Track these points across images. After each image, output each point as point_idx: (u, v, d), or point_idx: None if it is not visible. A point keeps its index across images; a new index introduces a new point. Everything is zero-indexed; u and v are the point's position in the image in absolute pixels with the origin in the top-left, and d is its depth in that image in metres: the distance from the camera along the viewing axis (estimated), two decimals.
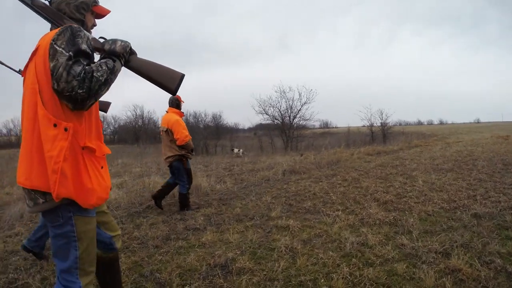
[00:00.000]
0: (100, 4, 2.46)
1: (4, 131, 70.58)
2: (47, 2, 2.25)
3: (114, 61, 2.11)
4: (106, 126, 75.18)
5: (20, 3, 2.18)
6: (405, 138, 26.72)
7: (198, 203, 7.36)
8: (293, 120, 28.76)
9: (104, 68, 1.98)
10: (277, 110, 28.04)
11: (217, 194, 8.26)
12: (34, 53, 2.04)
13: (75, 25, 2.05)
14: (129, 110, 77.96)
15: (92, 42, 2.13)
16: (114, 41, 2.20)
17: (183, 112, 6.75)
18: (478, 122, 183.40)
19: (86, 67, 1.92)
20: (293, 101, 28.27)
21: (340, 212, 6.13)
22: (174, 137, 6.22)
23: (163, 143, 6.49)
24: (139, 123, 63.65)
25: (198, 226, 5.64)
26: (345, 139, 23.67)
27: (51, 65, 1.87)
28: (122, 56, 2.21)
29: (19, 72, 3.83)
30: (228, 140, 41.63)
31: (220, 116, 63.07)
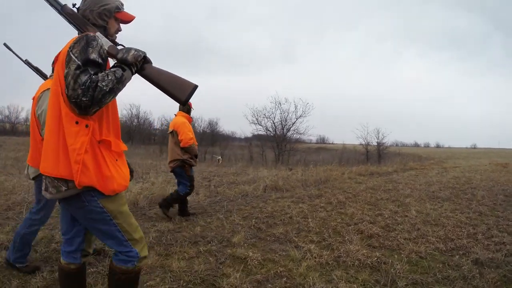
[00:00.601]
0: (125, 10, 2.51)
1: None
2: (75, 9, 2.36)
3: (124, 70, 2.18)
4: None
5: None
6: (400, 159, 25.87)
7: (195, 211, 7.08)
8: (286, 132, 27.76)
9: (110, 77, 2.07)
10: (271, 121, 26.98)
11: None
12: (56, 58, 2.28)
13: (91, 34, 2.18)
14: (124, 109, 77.04)
15: (107, 50, 2.26)
16: (128, 50, 2.25)
17: (192, 117, 6.64)
18: (474, 148, 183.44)
19: (93, 77, 2.02)
20: (288, 113, 27.38)
21: (314, 245, 5.19)
22: (179, 138, 6.07)
23: (168, 146, 6.41)
24: (134, 123, 62.60)
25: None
26: (339, 156, 22.59)
27: (65, 72, 2.04)
28: (133, 65, 2.26)
29: (25, 62, 4.28)
30: (223, 148, 40.98)
31: (217, 123, 62.60)
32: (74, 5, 2.36)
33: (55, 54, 2.43)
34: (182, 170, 6.30)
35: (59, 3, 2.33)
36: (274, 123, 26.66)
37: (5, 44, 4.38)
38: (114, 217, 2.32)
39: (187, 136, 6.05)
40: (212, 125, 63.25)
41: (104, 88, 2.02)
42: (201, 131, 59.25)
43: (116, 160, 2.34)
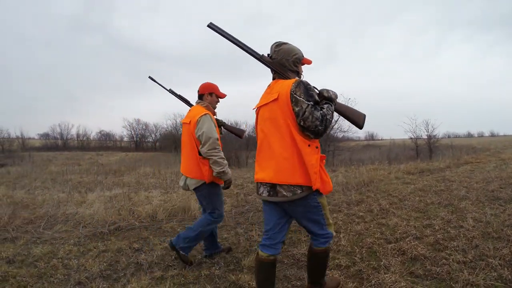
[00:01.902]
0: (305, 56, 3.28)
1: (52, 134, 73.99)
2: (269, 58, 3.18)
3: (331, 105, 3.02)
4: (148, 134, 75.74)
5: None
6: (453, 153, 23.98)
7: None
8: (329, 132, 26.19)
9: (330, 111, 2.93)
10: None
11: None
12: (276, 99, 2.97)
13: (304, 80, 3.00)
14: (169, 119, 78.09)
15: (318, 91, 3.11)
16: (327, 90, 3.08)
17: None
18: None
19: (322, 111, 2.85)
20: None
21: (340, 271, 4.32)
22: None
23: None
24: (180, 132, 63.25)
25: (145, 262, 4.73)
26: (387, 153, 21.11)
27: (296, 109, 2.85)
28: (334, 101, 3.09)
29: (170, 91, 5.14)
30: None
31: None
32: (269, 55, 3.18)
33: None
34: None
35: (257, 53, 3.12)
36: None
37: (150, 77, 5.42)
38: (323, 208, 3.15)
39: None
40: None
41: (330, 118, 2.89)
42: (247, 135, 58.79)
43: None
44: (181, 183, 4.57)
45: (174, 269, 4.44)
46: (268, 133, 3.03)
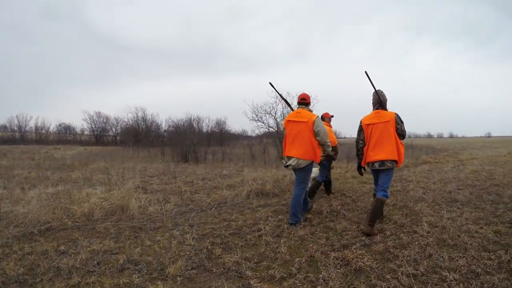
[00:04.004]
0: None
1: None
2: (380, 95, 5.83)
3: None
4: (109, 127, 73.54)
5: None
6: (412, 153, 23.84)
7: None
8: None
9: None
10: (272, 116, 24.90)
11: (140, 221, 6.46)
12: (388, 121, 5.52)
13: (396, 112, 5.70)
14: (130, 112, 76.13)
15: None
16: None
17: (331, 126, 8.61)
18: (489, 136, 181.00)
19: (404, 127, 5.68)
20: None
21: (272, 285, 3.76)
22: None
23: None
24: (143, 126, 61.62)
25: (65, 267, 4.27)
26: (347, 151, 20.72)
27: (399, 125, 5.53)
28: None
29: (281, 96, 8.31)
30: (231, 147, 39.50)
31: (225, 122, 61.08)
32: (381, 91, 5.80)
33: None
34: (327, 162, 8.08)
35: (375, 88, 5.76)
36: (275, 119, 24.57)
37: (270, 83, 7.26)
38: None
39: (334, 138, 7.98)
40: (220, 124, 62.02)
41: (405, 133, 5.67)
42: (208, 130, 57.95)
43: None
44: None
45: (94, 275, 4.01)
46: (382, 136, 5.52)
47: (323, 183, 8.39)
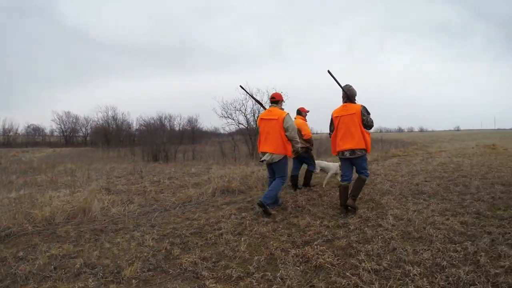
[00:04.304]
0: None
1: None
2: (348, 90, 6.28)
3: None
4: (79, 128, 71.88)
5: None
6: (382, 146, 23.93)
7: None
8: None
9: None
10: (242, 113, 24.63)
11: (102, 223, 6.18)
12: (354, 113, 5.99)
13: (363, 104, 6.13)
14: (100, 111, 74.46)
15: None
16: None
17: (306, 119, 8.84)
18: (458, 130, 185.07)
19: (370, 118, 6.09)
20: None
21: (227, 285, 3.58)
22: (302, 133, 8.07)
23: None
24: (113, 126, 60.38)
25: (22, 274, 4.01)
26: (317, 146, 20.63)
27: (365, 117, 5.99)
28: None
29: (251, 96, 9.57)
30: (203, 144, 39.18)
31: (196, 120, 60.37)
32: (349, 86, 6.24)
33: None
34: (307, 153, 8.45)
35: (341, 85, 6.14)
36: (245, 115, 24.31)
37: (240, 86, 8.44)
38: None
39: (308, 131, 8.36)
40: (191, 122, 61.31)
41: (372, 123, 6.12)
42: (180, 129, 57.25)
43: None
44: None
45: (47, 282, 3.80)
46: (349, 127, 5.99)
47: (290, 178, 8.51)
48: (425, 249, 4.09)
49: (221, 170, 12.87)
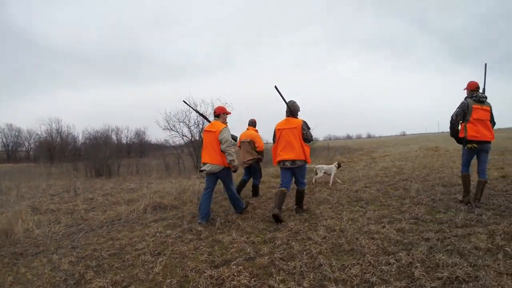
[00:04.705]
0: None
1: None
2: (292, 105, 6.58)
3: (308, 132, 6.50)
4: (22, 141, 67.81)
5: None
6: (328, 154, 23.79)
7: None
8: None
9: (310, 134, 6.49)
10: (185, 125, 23.88)
11: (24, 245, 5.77)
12: (295, 127, 6.29)
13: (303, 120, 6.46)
14: (43, 124, 70.40)
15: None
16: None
17: (258, 130, 8.94)
18: (404, 135, 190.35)
19: (309, 132, 6.47)
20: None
21: None
22: (256, 145, 8.37)
23: (243, 150, 8.44)
24: (57, 140, 57.32)
25: None
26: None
27: (305, 131, 6.31)
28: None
29: (196, 111, 9.59)
30: (151, 158, 38.17)
31: (144, 133, 58.70)
32: (293, 102, 6.50)
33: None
34: (256, 164, 8.50)
35: (285, 101, 6.44)
36: (189, 127, 23.61)
37: (184, 101, 9.15)
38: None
39: (261, 144, 8.46)
40: (139, 134, 59.61)
41: (311, 138, 6.46)
42: (127, 141, 55.64)
43: None
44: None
45: None
46: (290, 139, 6.26)
47: (250, 185, 8.99)
48: (354, 264, 3.66)
49: (161, 185, 12.32)
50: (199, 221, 6.32)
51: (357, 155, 22.79)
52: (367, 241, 4.35)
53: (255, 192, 8.75)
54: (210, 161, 6.45)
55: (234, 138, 7.31)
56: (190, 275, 3.85)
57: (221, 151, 6.41)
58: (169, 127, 23.30)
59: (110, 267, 4.38)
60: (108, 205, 9.13)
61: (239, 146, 8.66)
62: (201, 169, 6.58)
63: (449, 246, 4.00)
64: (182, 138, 24.19)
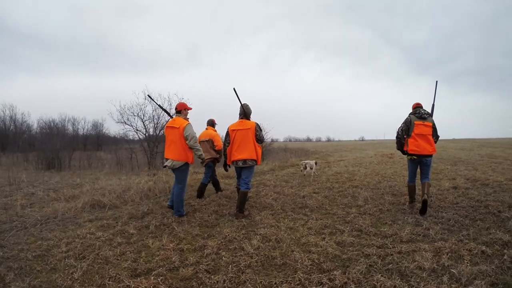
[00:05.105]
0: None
1: None
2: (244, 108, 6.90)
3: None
4: None
5: None
6: (284, 155, 23.59)
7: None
8: (159, 132, 23.55)
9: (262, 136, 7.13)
10: (140, 119, 22.96)
11: None
12: (249, 128, 6.57)
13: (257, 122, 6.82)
14: None
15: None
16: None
17: (216, 130, 9.24)
18: (362, 140, 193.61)
19: (262, 135, 6.92)
20: (170, 116, 22.47)
21: None
22: (214, 144, 8.54)
23: (202, 149, 7.96)
24: (11, 127, 54.64)
25: None
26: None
27: (258, 132, 6.61)
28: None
29: (171, 115, 7.79)
30: (107, 152, 37.09)
31: (102, 125, 56.91)
32: (247, 105, 6.82)
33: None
34: (212, 163, 8.61)
35: (241, 103, 6.79)
36: (143, 122, 22.73)
37: (148, 96, 8.43)
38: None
39: (220, 143, 8.54)
40: (97, 126, 57.76)
41: (263, 139, 6.98)
42: (84, 133, 53.86)
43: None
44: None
45: None
46: (244, 140, 6.54)
47: (211, 183, 9.14)
48: (282, 282, 3.33)
49: (108, 181, 11.70)
50: (175, 215, 6.56)
51: (313, 158, 22.64)
52: (303, 254, 4.03)
53: (201, 192, 8.52)
54: (173, 157, 6.55)
55: None
56: (107, 284, 3.51)
57: (189, 147, 6.58)
58: (122, 121, 22.47)
59: (32, 270, 4.06)
60: (48, 201, 8.51)
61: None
62: (164, 164, 6.76)
63: (390, 265, 3.72)
64: (136, 132, 23.36)
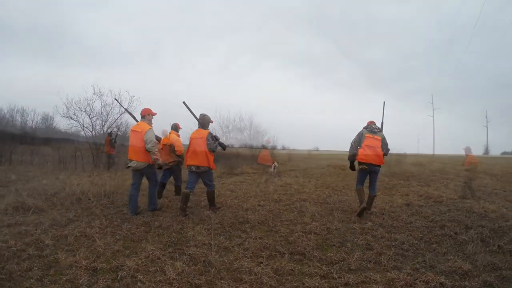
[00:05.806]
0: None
1: None
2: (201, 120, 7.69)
3: (221, 146, 7.90)
4: None
5: None
6: (234, 162, 23.05)
7: None
8: (107, 130, 22.32)
9: (216, 145, 7.42)
10: (87, 115, 21.58)
11: None
12: (202, 137, 7.20)
13: (211, 132, 7.56)
14: None
15: (215, 136, 7.60)
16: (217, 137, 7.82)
17: (179, 134, 9.55)
18: (317, 150, 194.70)
19: (215, 144, 7.43)
20: (112, 107, 21.37)
21: None
22: (176, 148, 8.85)
23: (165, 153, 8.78)
24: None
25: None
26: None
27: (210, 141, 7.23)
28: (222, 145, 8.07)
29: (125, 109, 9.34)
30: (56, 148, 35.38)
31: (52, 118, 54.36)
32: (203, 115, 7.56)
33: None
34: (177, 166, 9.19)
35: (194, 115, 7.47)
36: (90, 118, 21.38)
37: (115, 99, 14.83)
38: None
39: (181, 148, 8.99)
40: (46, 120, 55.09)
41: (214, 148, 7.27)
42: (33, 126, 51.60)
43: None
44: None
45: None
46: (197, 148, 7.11)
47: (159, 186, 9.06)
48: None
49: (42, 180, 10.82)
50: (129, 214, 6.96)
51: (263, 167, 22.19)
52: (232, 284, 3.49)
53: (178, 191, 9.32)
54: (136, 158, 7.09)
55: (158, 139, 7.99)
56: None
57: (146, 150, 7.01)
58: (68, 115, 21.16)
59: None
60: None
61: (162, 148, 8.84)
62: (128, 165, 7.22)
63: None
64: (83, 129, 22.08)
